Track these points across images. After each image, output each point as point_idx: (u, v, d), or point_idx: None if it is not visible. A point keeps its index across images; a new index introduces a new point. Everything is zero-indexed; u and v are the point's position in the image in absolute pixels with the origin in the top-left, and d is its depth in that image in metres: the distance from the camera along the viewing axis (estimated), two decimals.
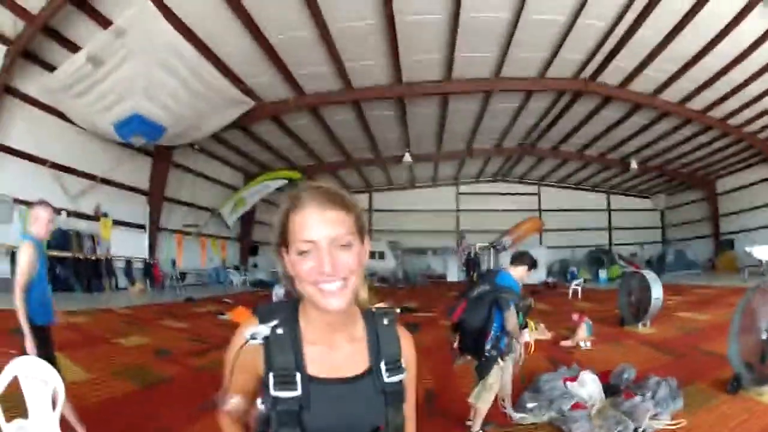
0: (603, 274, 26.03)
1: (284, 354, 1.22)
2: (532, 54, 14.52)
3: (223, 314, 11.78)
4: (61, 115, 13.44)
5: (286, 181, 22.95)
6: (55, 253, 14.02)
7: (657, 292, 9.39)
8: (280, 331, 1.23)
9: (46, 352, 3.74)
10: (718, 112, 17.88)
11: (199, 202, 21.48)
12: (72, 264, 14.88)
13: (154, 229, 18.45)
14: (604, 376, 5.33)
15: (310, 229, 1.14)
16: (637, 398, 4.60)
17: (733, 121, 18.57)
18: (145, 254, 18.06)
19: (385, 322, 1.32)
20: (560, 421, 4.44)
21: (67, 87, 11.95)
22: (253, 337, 1.21)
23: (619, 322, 10.16)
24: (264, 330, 1.21)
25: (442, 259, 30.64)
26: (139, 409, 4.69)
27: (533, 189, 32.33)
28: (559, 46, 13.91)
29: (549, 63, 14.99)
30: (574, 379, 5.15)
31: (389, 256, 27.14)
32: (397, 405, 1.29)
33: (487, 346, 4.24)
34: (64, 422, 3.49)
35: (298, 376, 1.20)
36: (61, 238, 14.59)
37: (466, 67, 15.09)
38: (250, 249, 26.67)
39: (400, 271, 28.52)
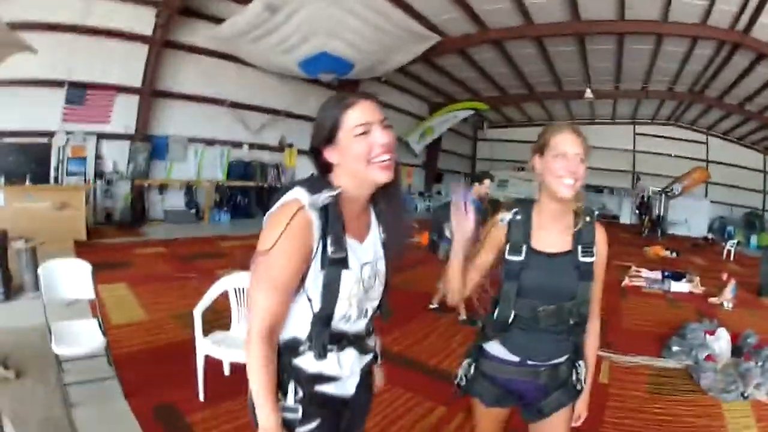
0: (753, 239, 23.70)
1: (518, 232, 1.72)
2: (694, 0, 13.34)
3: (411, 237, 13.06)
4: (234, 59, 14.15)
5: (473, 111, 23.06)
6: (237, 183, 15.37)
7: None
8: (519, 217, 1.75)
9: None
10: None
11: None
12: (255, 192, 15.91)
13: None
14: (734, 337, 5.59)
15: (566, 144, 1.66)
16: (751, 363, 4.81)
17: None
18: None
19: (587, 219, 1.74)
20: (693, 368, 4.87)
21: (243, 33, 12.17)
22: (501, 220, 1.76)
23: (756, 290, 9.57)
24: (508, 216, 1.76)
25: (617, 200, 28.91)
26: None
27: (701, 137, 28.60)
28: None
29: (708, 12, 13.63)
30: (713, 333, 5.54)
31: None
32: (587, 281, 1.70)
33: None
34: None
35: (524, 247, 1.69)
36: (243, 170, 15.71)
37: (637, 7, 14.25)
38: (434, 176, 26.68)
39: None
